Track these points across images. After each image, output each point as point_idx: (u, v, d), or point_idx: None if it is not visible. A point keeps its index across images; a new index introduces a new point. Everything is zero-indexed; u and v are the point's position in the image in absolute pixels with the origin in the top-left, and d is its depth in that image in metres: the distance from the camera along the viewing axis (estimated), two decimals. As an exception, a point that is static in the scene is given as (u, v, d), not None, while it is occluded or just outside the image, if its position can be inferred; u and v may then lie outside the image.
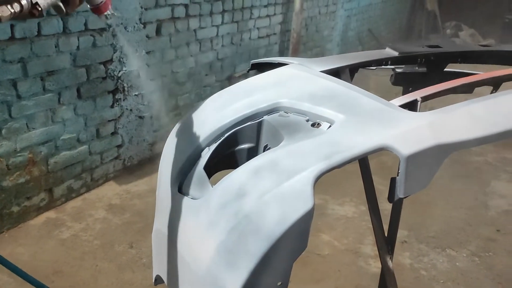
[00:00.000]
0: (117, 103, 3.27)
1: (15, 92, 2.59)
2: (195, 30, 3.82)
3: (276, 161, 1.13)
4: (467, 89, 1.67)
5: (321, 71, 1.67)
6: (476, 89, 1.72)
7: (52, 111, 2.83)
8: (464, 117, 1.30)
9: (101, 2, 1.32)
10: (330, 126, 1.26)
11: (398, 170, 1.11)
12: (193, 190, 1.25)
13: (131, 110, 3.39)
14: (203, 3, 3.82)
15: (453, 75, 1.93)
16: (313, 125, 1.28)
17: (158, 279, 1.45)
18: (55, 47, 2.73)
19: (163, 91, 3.65)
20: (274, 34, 5.02)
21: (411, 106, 1.38)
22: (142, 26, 3.29)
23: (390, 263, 1.68)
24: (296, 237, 1.02)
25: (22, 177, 2.75)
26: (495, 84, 1.91)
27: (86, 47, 2.92)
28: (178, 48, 3.69)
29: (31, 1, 1.10)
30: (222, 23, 4.12)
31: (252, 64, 1.93)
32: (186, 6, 3.65)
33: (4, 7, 1.06)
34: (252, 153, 1.39)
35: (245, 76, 1.79)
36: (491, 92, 1.89)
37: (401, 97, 1.43)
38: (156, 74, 3.53)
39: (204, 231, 1.11)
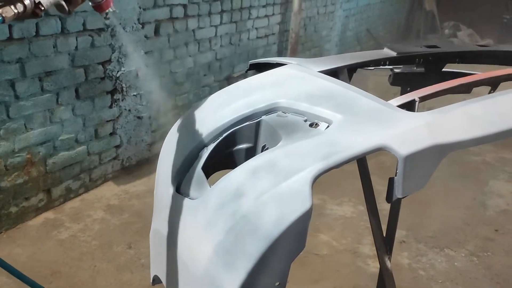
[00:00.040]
0: (116, 103, 3.27)
1: (13, 92, 2.59)
2: (193, 30, 3.82)
3: (274, 161, 1.13)
4: (465, 89, 1.67)
5: (319, 71, 1.67)
6: (474, 89, 1.73)
7: (50, 111, 2.83)
8: (462, 117, 1.30)
9: None
10: (328, 126, 1.26)
11: (396, 170, 1.11)
12: (191, 190, 1.25)
13: (129, 110, 3.39)
14: (202, 3, 3.82)
15: (451, 75, 1.94)
16: (311, 125, 1.28)
17: (156, 279, 1.45)
18: (53, 47, 2.73)
19: (161, 91, 3.65)
20: (273, 34, 5.03)
21: (409, 106, 1.38)
22: (141, 26, 3.29)
23: (388, 263, 1.68)
24: (294, 238, 1.02)
25: (20, 178, 2.75)
26: (493, 84, 1.91)
27: (84, 47, 2.92)
28: (176, 48, 3.69)
29: (34, 1, 1.10)
30: (221, 23, 4.12)
31: (250, 64, 1.93)
32: (184, 6, 3.65)
33: (7, 7, 1.06)
34: (250, 153, 1.39)
35: (244, 76, 1.79)
36: (489, 92, 1.89)
37: (399, 97, 1.43)
38: (155, 74, 3.53)
39: (202, 231, 1.11)
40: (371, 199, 1.69)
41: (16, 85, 2.59)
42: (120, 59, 3.19)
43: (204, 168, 1.28)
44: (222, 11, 4.09)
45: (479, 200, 3.38)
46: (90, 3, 1.34)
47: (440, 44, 2.28)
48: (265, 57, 2.16)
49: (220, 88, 1.83)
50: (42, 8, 1.12)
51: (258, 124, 1.38)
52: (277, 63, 1.79)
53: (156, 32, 3.45)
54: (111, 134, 3.31)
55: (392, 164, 1.14)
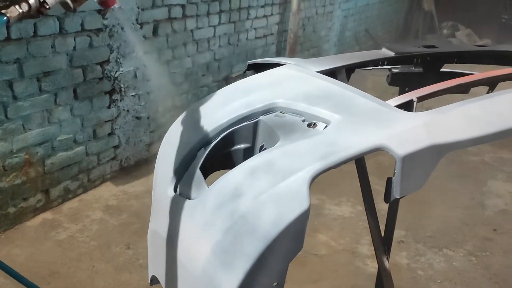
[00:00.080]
0: (114, 103, 3.26)
1: (11, 93, 2.58)
2: (192, 31, 3.82)
3: (272, 161, 1.13)
4: (463, 89, 1.67)
5: (317, 72, 1.67)
6: (472, 89, 1.73)
7: (49, 112, 2.82)
8: (460, 117, 1.30)
9: None
10: (326, 127, 1.26)
11: (394, 170, 1.11)
12: (189, 190, 1.24)
13: (128, 110, 3.39)
14: (200, 3, 3.82)
15: (449, 75, 1.93)
16: (309, 125, 1.28)
17: (154, 280, 1.45)
18: (52, 47, 2.73)
19: (160, 91, 3.65)
20: (271, 34, 5.03)
21: (407, 106, 1.38)
22: (139, 26, 3.29)
23: (386, 263, 1.68)
24: (292, 238, 1.02)
25: (19, 178, 2.75)
26: (491, 84, 1.91)
27: (82, 47, 2.92)
28: (175, 49, 3.69)
29: (39, 0, 1.10)
30: (219, 23, 4.12)
31: (248, 65, 1.92)
32: (183, 6, 3.65)
33: (12, 7, 1.07)
34: (248, 153, 1.39)
35: (242, 76, 1.78)
36: (487, 92, 1.89)
37: (397, 97, 1.43)
38: (153, 74, 3.53)
39: (200, 232, 1.11)
40: (369, 199, 1.69)
41: (14, 86, 2.59)
42: (118, 60, 3.19)
43: (202, 169, 1.28)
44: (221, 11, 4.09)
45: (477, 200, 3.38)
46: (95, 0, 1.34)
47: (438, 44, 2.28)
48: (264, 57, 2.16)
49: (219, 88, 1.83)
50: (47, 7, 1.12)
51: (256, 124, 1.38)
52: (275, 63, 1.79)
53: (155, 32, 3.45)
54: (109, 134, 3.31)
55: (390, 164, 1.14)
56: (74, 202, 3.11)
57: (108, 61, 3.12)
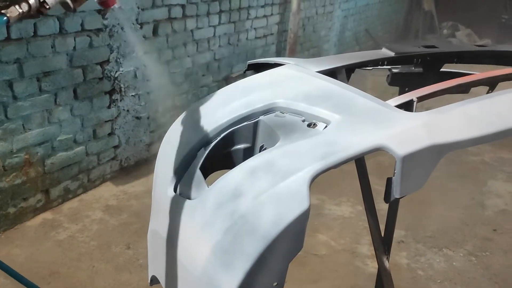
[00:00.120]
0: (114, 103, 3.26)
1: (11, 93, 2.58)
2: (192, 31, 3.82)
3: (272, 161, 1.13)
4: (463, 89, 1.67)
5: (317, 72, 1.67)
6: (472, 89, 1.72)
7: (49, 112, 2.82)
8: (460, 117, 1.30)
9: None
10: (326, 127, 1.25)
11: (394, 170, 1.11)
12: (189, 190, 1.24)
13: (128, 110, 3.39)
14: (200, 3, 3.82)
15: (449, 75, 1.93)
16: (309, 125, 1.28)
17: (154, 280, 1.45)
18: (52, 47, 2.73)
19: (160, 91, 3.65)
20: (271, 34, 5.03)
21: (407, 106, 1.37)
22: (139, 26, 3.29)
23: (386, 263, 1.68)
24: (292, 238, 1.02)
25: (19, 178, 2.75)
26: (491, 84, 1.91)
27: (82, 47, 2.92)
28: (175, 49, 3.69)
29: (39, 0, 1.10)
30: (219, 23, 4.12)
31: (248, 65, 1.92)
32: (183, 6, 3.65)
33: (12, 7, 1.07)
34: (248, 153, 1.39)
35: (242, 76, 1.78)
36: (487, 92, 1.89)
37: (397, 97, 1.43)
38: (153, 74, 3.53)
39: (200, 232, 1.11)
40: (369, 199, 1.69)
41: (14, 86, 2.59)
42: (118, 60, 3.19)
43: (202, 169, 1.28)
44: (221, 11, 4.09)
45: (477, 200, 3.38)
46: (95, 0, 1.34)
47: (438, 44, 2.28)
48: (264, 57, 2.16)
49: (219, 88, 1.83)
50: (47, 7, 1.12)
51: (256, 124, 1.38)
52: (275, 63, 1.79)
53: (155, 32, 3.45)
54: (109, 134, 3.31)
55: (390, 164, 1.14)
56: (74, 202, 3.11)
57: (108, 61, 3.12)
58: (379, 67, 2.05)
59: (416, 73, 2.18)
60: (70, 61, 2.86)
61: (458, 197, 3.39)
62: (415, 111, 1.35)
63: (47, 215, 2.94)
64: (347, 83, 1.67)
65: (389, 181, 1.13)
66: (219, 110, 1.44)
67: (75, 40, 2.85)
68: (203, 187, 1.21)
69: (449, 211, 3.21)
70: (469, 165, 3.93)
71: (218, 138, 1.36)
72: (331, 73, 1.75)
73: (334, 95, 1.42)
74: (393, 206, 1.64)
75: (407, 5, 9.11)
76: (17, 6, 1.07)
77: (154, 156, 1.53)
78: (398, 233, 2.82)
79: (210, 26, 4.01)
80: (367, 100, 1.38)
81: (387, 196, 1.15)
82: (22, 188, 2.78)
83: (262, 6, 4.69)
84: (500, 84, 1.79)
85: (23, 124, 2.69)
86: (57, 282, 2.38)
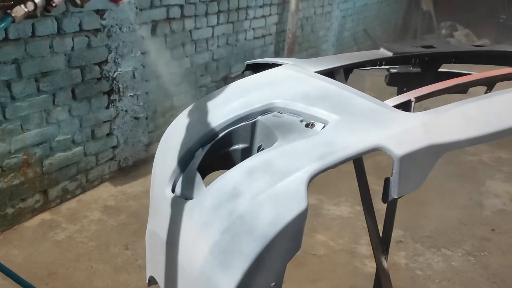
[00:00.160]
0: (112, 104, 3.26)
1: (9, 93, 2.58)
2: (190, 31, 3.82)
3: (270, 161, 1.13)
4: (461, 89, 1.67)
5: (315, 72, 1.67)
6: (471, 89, 1.73)
7: (47, 112, 2.82)
8: (458, 117, 1.30)
9: None
10: (324, 127, 1.26)
11: (392, 170, 1.11)
12: (187, 190, 1.24)
13: (126, 111, 3.39)
14: (199, 3, 3.81)
15: (447, 75, 1.94)
16: (307, 125, 1.28)
17: (152, 280, 1.45)
18: (50, 48, 2.72)
19: (158, 92, 3.65)
20: (270, 34, 5.03)
21: (405, 106, 1.38)
22: (137, 26, 3.28)
23: (385, 263, 1.68)
24: (290, 238, 1.02)
25: (17, 179, 2.74)
26: (489, 84, 1.91)
27: (81, 48, 2.91)
28: (173, 49, 3.69)
29: None
30: (218, 23, 4.12)
31: (247, 65, 1.93)
32: (181, 6, 3.65)
33: (18, 7, 1.07)
34: (246, 153, 1.39)
35: (241, 76, 1.79)
36: (485, 92, 1.90)
37: (395, 97, 1.43)
38: (151, 75, 3.53)
39: (197, 232, 1.11)
40: (368, 199, 1.69)
41: (12, 86, 2.58)
42: (116, 60, 3.19)
43: (200, 169, 1.28)
44: (219, 11, 4.09)
45: (475, 200, 3.38)
46: None
47: (436, 44, 2.29)
48: (262, 58, 2.16)
49: (217, 88, 1.83)
50: (54, 5, 1.12)
51: (254, 125, 1.38)
52: (273, 64, 1.79)
53: (153, 32, 3.44)
54: (107, 134, 3.30)
55: (388, 164, 1.14)
56: (73, 202, 3.11)
57: (106, 61, 3.12)
58: (377, 67, 2.05)
59: (414, 73, 2.18)
60: (68, 62, 2.86)
61: (456, 197, 3.39)
62: (413, 111, 1.35)
63: (45, 215, 2.94)
64: (345, 83, 1.67)
65: (387, 181, 1.13)
66: (217, 110, 1.44)
67: (73, 41, 2.85)
68: (201, 188, 1.21)
69: (447, 211, 3.22)
70: (467, 165, 3.93)
71: (216, 138, 1.36)
72: (329, 73, 1.75)
73: (332, 95, 1.42)
74: (391, 206, 1.64)
75: (406, 5, 9.12)
76: (22, 6, 1.07)
77: (153, 156, 1.53)
78: (396, 233, 2.83)
79: (208, 26, 4.01)
80: (365, 100, 1.38)
81: (385, 196, 1.15)
82: (20, 189, 2.78)
83: (261, 7, 4.69)
84: (498, 84, 1.79)
85: (21, 125, 2.69)
86: (55, 282, 2.37)
